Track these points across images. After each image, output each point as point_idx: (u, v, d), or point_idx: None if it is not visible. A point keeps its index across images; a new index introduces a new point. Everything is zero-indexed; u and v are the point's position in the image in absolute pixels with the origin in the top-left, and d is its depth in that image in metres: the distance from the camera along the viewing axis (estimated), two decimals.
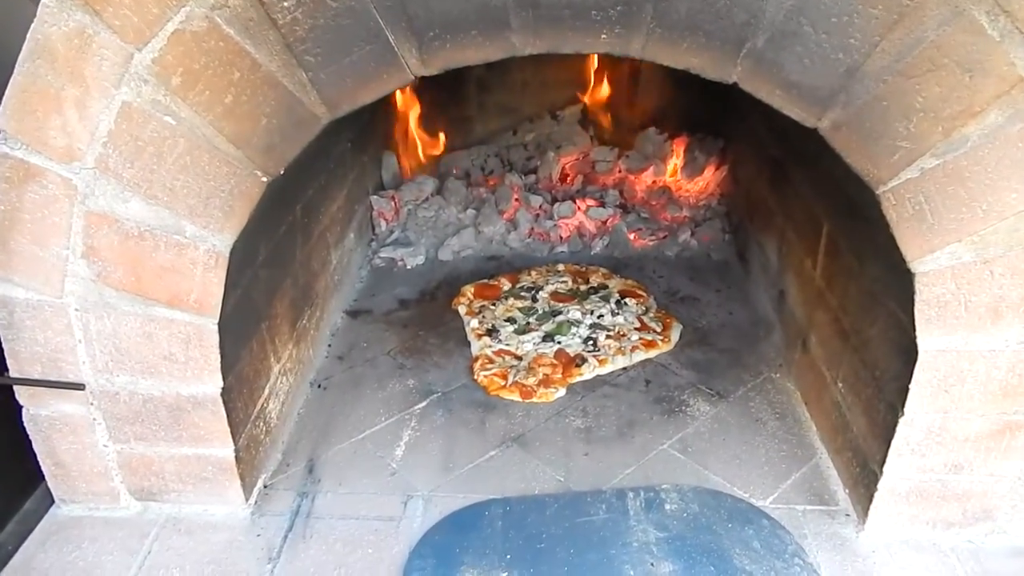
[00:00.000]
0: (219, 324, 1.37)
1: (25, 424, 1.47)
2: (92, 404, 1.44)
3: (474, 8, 1.09)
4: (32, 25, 1.13)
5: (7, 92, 1.18)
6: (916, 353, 1.29)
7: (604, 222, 2.57)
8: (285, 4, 1.09)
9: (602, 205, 2.61)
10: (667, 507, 1.55)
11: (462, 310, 2.22)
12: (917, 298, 1.25)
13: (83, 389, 1.42)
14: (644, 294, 2.28)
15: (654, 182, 2.69)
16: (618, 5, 1.05)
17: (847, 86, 1.11)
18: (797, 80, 1.11)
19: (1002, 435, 1.36)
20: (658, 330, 2.11)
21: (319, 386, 1.94)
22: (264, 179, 1.26)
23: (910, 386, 1.32)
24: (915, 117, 1.11)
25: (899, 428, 1.37)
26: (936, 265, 1.21)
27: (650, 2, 1.05)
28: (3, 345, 1.39)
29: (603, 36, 1.09)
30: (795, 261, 1.94)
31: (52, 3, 1.11)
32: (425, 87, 2.59)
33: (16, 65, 1.16)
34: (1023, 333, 1.25)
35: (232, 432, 1.48)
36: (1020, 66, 1.05)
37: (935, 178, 1.15)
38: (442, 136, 2.82)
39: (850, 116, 1.13)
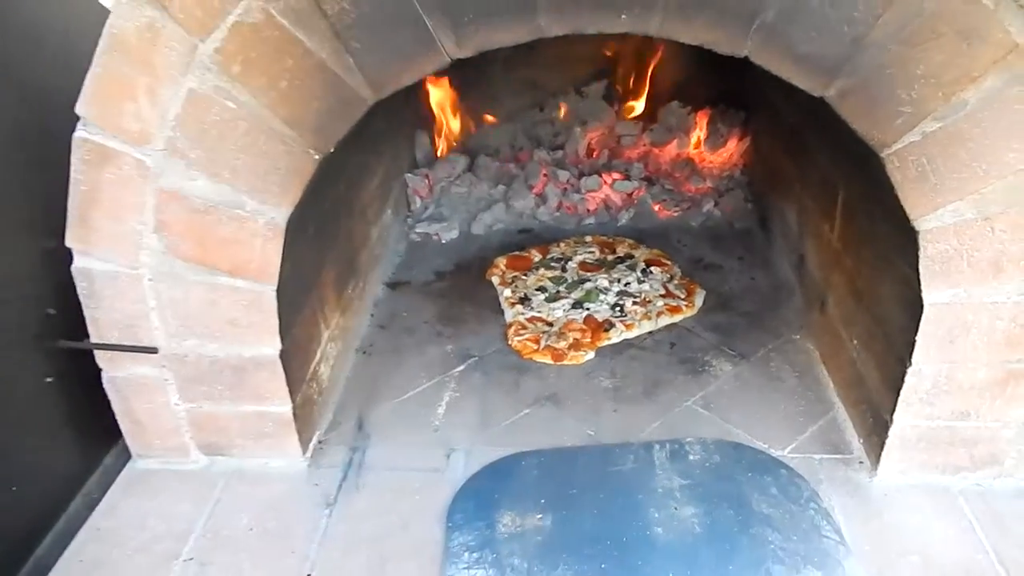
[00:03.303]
0: (276, 291, 1.50)
1: (104, 385, 1.61)
2: (164, 366, 1.58)
3: None
4: (108, 21, 1.26)
5: (86, 82, 1.31)
6: (922, 307, 1.38)
7: (629, 194, 2.67)
8: None
9: (627, 178, 2.70)
10: (690, 457, 1.67)
11: (495, 280, 2.34)
12: (921, 254, 1.33)
13: (156, 352, 1.56)
14: (669, 262, 2.38)
15: (678, 155, 2.78)
16: None
17: (852, 56, 1.19)
18: (805, 52, 1.20)
19: (1006, 383, 1.44)
20: (682, 296, 2.20)
21: (364, 352, 2.07)
22: (316, 157, 1.38)
23: (917, 338, 1.41)
24: (917, 83, 1.19)
25: (907, 378, 1.46)
26: (939, 223, 1.30)
27: None
28: (85, 313, 1.53)
29: (623, 16, 1.19)
30: (813, 226, 2.02)
31: (125, 0, 1.23)
32: (454, 68, 2.69)
33: (94, 58, 1.29)
34: None
35: (290, 390, 1.61)
36: (1015, 33, 1.13)
37: (937, 141, 1.23)
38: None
39: (855, 84, 1.22)
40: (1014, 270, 1.32)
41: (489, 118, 2.92)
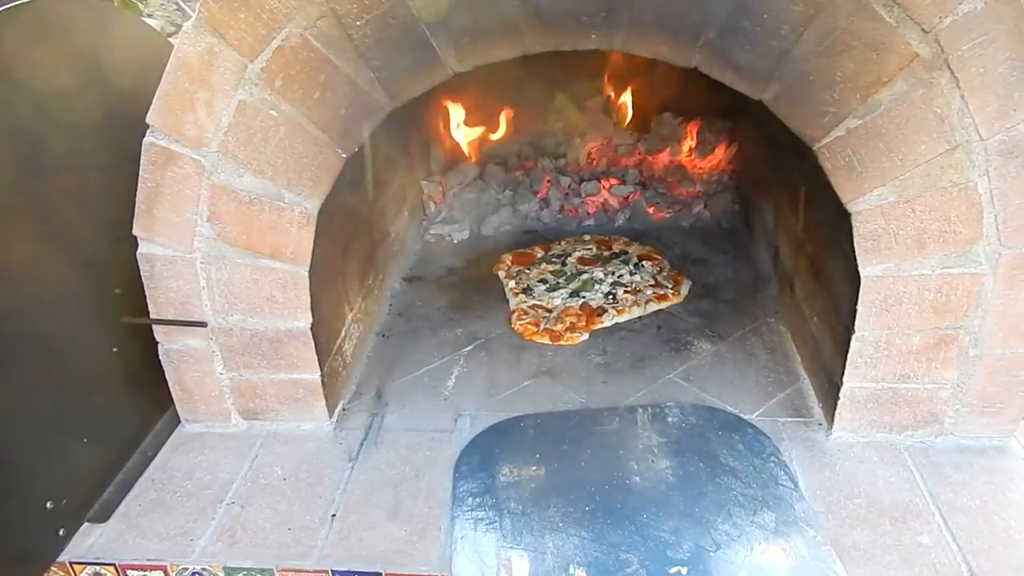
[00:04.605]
0: (308, 272, 1.76)
1: (160, 357, 1.86)
2: (211, 339, 1.83)
3: (496, 20, 1.46)
4: (175, 47, 1.54)
5: (155, 97, 1.58)
6: (860, 280, 1.60)
7: (626, 198, 2.92)
8: (358, 23, 1.47)
9: (623, 183, 2.95)
10: (669, 419, 1.89)
11: (501, 274, 2.59)
12: (855, 233, 1.55)
13: (205, 326, 1.81)
14: (659, 257, 2.61)
15: (670, 161, 3.02)
16: (602, 12, 1.41)
17: (782, 66, 1.44)
18: (742, 63, 1.45)
19: (939, 347, 1.65)
20: (670, 286, 2.44)
21: (383, 335, 2.33)
22: (343, 155, 1.65)
23: (858, 308, 1.63)
24: (837, 87, 1.43)
25: (852, 343, 1.67)
26: (867, 205, 1.53)
27: (626, 9, 1.40)
28: (146, 292, 1.78)
29: (592, 35, 1.45)
30: (784, 220, 2.25)
31: (190, 29, 1.51)
32: (469, 87, 2.97)
33: (162, 77, 1.56)
34: (945, 260, 1.55)
35: (319, 360, 1.85)
36: (915, 45, 1.36)
37: (858, 135, 1.47)
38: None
39: (786, 89, 1.46)
40: (935, 246, 1.54)
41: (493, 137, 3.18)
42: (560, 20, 1.44)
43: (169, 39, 2.04)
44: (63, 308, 1.66)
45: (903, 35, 1.36)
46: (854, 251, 1.59)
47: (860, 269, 1.59)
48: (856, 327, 1.65)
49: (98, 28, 1.78)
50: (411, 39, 1.51)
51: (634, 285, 2.44)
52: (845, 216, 1.58)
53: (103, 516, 1.71)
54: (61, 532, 1.64)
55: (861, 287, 1.60)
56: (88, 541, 1.65)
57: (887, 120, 1.44)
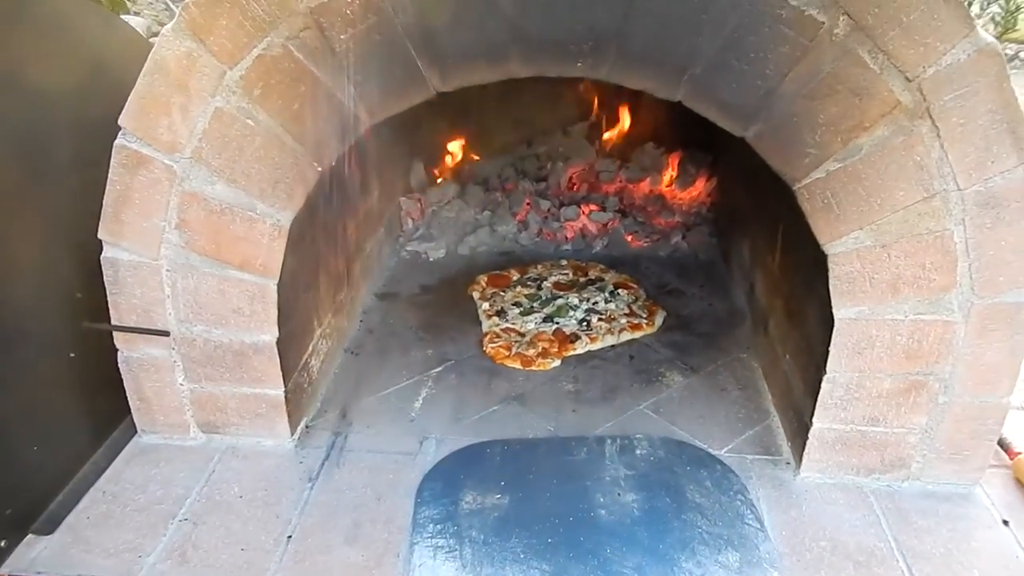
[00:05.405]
0: (277, 285, 1.72)
1: (120, 365, 1.80)
2: (174, 349, 1.78)
3: (483, 44, 1.45)
4: (153, 48, 1.50)
5: (129, 99, 1.54)
6: (834, 322, 1.60)
7: (604, 225, 2.91)
8: (342, 37, 1.45)
9: (603, 210, 2.95)
10: (637, 452, 1.87)
11: (476, 295, 2.56)
12: (831, 275, 1.55)
13: (168, 335, 1.76)
14: (635, 286, 2.60)
15: (650, 191, 3.03)
16: (589, 41, 1.40)
17: (766, 105, 1.44)
18: (727, 100, 1.45)
19: (909, 392, 1.65)
20: (644, 316, 2.43)
21: (352, 352, 2.28)
22: (319, 169, 1.62)
23: (830, 349, 1.63)
24: (819, 130, 1.43)
25: (823, 385, 1.66)
26: (844, 248, 1.53)
27: (614, 40, 1.40)
28: (108, 298, 1.73)
29: (579, 64, 1.44)
30: (761, 258, 2.26)
31: (169, 32, 1.47)
32: (452, 105, 2.95)
33: (138, 78, 1.53)
34: (918, 306, 1.55)
35: (283, 376, 1.81)
36: (897, 92, 1.38)
37: (838, 178, 1.47)
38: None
39: (769, 128, 1.46)
40: (909, 291, 1.54)
41: (475, 157, 3.17)
42: (547, 47, 1.43)
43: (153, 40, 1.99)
44: (20, 310, 1.60)
45: (886, 82, 1.37)
46: (829, 292, 1.59)
47: (834, 311, 1.58)
48: (827, 368, 1.65)
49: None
50: (395, 56, 1.49)
51: (609, 313, 2.43)
52: (821, 257, 1.58)
53: (49, 528, 1.64)
54: (3, 543, 1.57)
55: (834, 329, 1.60)
56: (31, 553, 1.58)
57: (867, 165, 1.44)
